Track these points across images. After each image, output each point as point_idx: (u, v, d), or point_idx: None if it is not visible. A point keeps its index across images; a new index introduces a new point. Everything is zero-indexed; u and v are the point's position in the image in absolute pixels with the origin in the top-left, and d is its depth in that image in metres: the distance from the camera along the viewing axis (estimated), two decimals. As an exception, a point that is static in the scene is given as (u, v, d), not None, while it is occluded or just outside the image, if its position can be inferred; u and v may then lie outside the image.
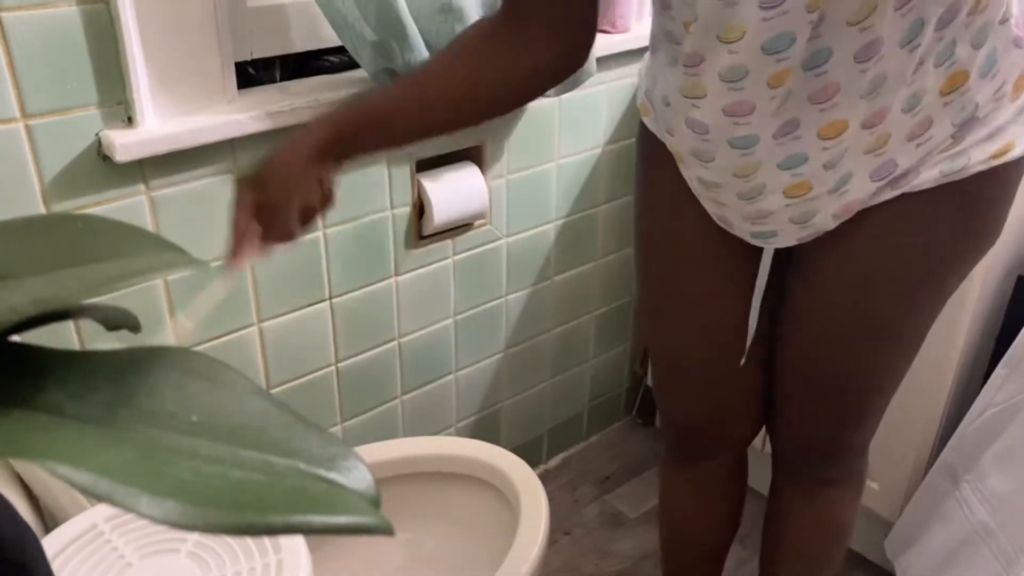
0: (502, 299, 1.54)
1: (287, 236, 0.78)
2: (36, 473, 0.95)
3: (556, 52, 0.82)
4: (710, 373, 1.04)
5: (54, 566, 0.81)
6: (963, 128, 0.79)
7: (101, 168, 1.01)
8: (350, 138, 0.78)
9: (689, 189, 0.92)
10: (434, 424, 1.56)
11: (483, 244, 1.45)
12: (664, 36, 0.82)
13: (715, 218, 0.92)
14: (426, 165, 1.33)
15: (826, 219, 0.85)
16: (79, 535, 0.85)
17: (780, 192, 0.82)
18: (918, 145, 0.79)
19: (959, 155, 0.80)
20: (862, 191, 0.82)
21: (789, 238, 0.89)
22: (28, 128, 0.95)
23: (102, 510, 0.87)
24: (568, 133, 1.49)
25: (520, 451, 1.35)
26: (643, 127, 0.98)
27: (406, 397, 1.48)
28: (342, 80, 1.21)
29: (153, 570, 0.82)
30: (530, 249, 1.54)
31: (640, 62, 1.55)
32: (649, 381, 1.85)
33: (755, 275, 0.98)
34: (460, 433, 1.60)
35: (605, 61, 1.45)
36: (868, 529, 1.48)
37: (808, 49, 0.72)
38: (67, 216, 0.88)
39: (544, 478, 1.57)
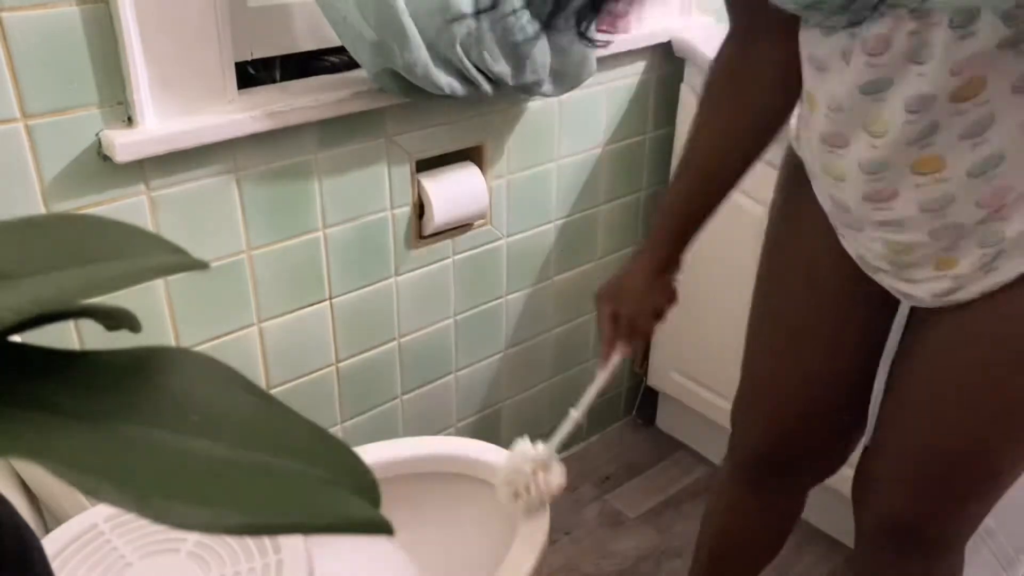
0: (502, 299, 1.54)
1: (645, 335, 1.01)
2: (36, 473, 0.95)
3: (785, 60, 0.83)
4: (805, 415, 0.99)
5: (54, 566, 0.81)
6: None
7: (101, 168, 1.01)
8: (678, 252, 0.97)
9: (827, 224, 0.88)
10: (434, 424, 1.56)
11: (483, 244, 1.45)
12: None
13: (857, 260, 0.87)
14: (426, 165, 1.33)
15: (971, 294, 0.78)
16: (79, 535, 0.85)
17: (930, 267, 0.79)
18: None
19: None
20: (1013, 271, 0.75)
21: (928, 304, 0.83)
22: (28, 128, 0.95)
23: (102, 510, 0.87)
24: (568, 133, 1.49)
25: (520, 451, 1.35)
26: (790, 149, 0.94)
27: (406, 397, 1.48)
28: (342, 80, 1.21)
29: (153, 570, 0.82)
30: (530, 249, 1.54)
31: (638, 62, 1.55)
32: (649, 381, 1.85)
33: (885, 331, 0.93)
34: (460, 433, 1.60)
35: (605, 61, 1.45)
36: (868, 529, 1.48)
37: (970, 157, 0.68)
38: (67, 216, 0.88)
39: (544, 478, 1.57)
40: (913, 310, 0.88)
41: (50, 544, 0.84)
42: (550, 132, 1.47)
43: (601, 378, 1.03)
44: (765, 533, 1.16)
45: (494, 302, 1.53)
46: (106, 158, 1.01)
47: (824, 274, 0.91)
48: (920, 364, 0.86)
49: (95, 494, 0.24)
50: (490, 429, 1.66)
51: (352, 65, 1.24)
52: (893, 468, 0.90)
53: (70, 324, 1.05)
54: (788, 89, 0.85)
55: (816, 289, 0.93)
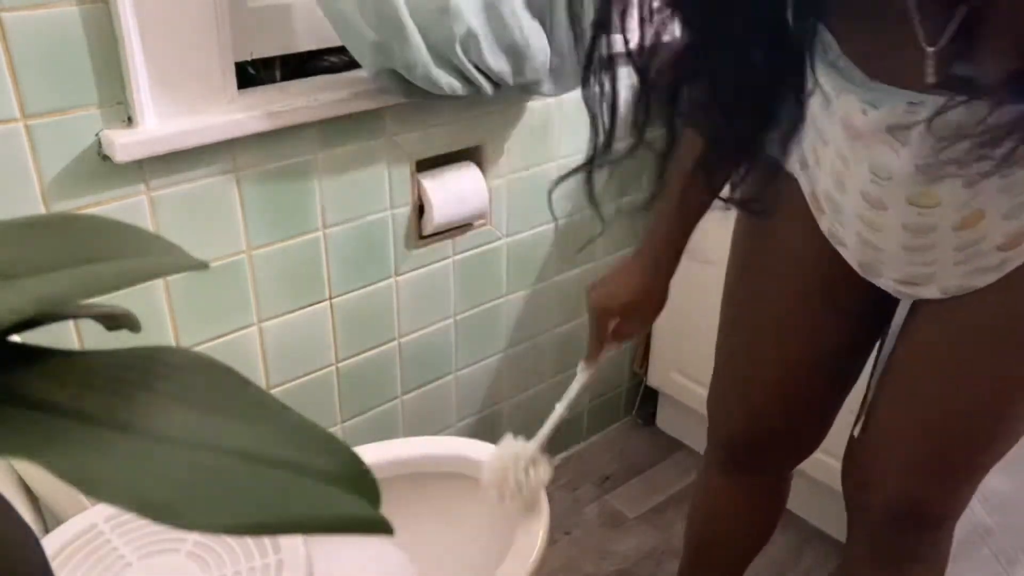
0: (502, 299, 1.54)
1: (634, 336, 1.05)
2: (36, 473, 0.95)
3: None
4: (781, 398, 1.01)
5: (54, 566, 0.81)
6: None
7: (101, 168, 1.01)
8: (676, 255, 0.97)
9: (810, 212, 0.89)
10: (434, 424, 1.56)
11: (483, 244, 1.45)
12: None
13: (858, 269, 0.87)
14: (426, 165, 1.33)
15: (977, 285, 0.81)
16: (79, 535, 0.85)
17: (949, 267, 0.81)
18: None
19: None
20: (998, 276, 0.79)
21: (931, 295, 0.85)
22: (28, 128, 0.95)
23: (102, 510, 0.88)
24: (568, 133, 1.49)
25: (520, 451, 1.36)
26: None
27: (406, 397, 1.48)
28: (342, 80, 1.21)
29: (153, 570, 0.82)
30: (530, 249, 1.54)
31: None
32: (649, 381, 1.85)
33: (878, 317, 0.94)
34: (460, 433, 1.60)
35: (605, 61, 1.45)
36: (868, 529, 1.48)
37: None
38: (67, 216, 0.88)
39: (544, 478, 1.57)
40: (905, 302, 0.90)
41: (50, 544, 0.84)
42: (550, 132, 1.47)
43: (586, 375, 1.04)
44: (748, 520, 1.17)
45: (494, 302, 1.53)
46: (106, 158, 1.01)
47: (808, 262, 0.91)
48: (917, 344, 0.88)
49: (95, 494, 0.24)
50: (490, 429, 1.66)
51: (352, 65, 1.24)
52: (892, 454, 0.92)
53: (70, 324, 1.05)
54: None
55: (799, 276, 0.93)
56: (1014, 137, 0.59)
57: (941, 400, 0.86)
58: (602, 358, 1.03)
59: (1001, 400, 0.83)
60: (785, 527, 1.64)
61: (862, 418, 0.96)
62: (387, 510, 0.27)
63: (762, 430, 1.05)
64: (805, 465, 1.11)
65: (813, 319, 0.95)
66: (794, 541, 1.61)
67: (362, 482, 0.28)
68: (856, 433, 0.97)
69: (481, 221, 1.43)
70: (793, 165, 0.89)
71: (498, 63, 1.20)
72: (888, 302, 0.91)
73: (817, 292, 0.93)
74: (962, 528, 1.26)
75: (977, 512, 1.25)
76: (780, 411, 1.02)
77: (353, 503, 0.27)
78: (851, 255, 0.87)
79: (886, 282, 0.86)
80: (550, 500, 1.12)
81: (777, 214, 0.91)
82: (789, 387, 1.00)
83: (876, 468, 0.94)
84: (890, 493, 0.93)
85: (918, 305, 0.88)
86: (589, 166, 0.78)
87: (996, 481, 1.23)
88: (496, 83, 1.23)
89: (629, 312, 0.99)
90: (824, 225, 0.87)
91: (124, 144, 0.99)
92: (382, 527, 0.26)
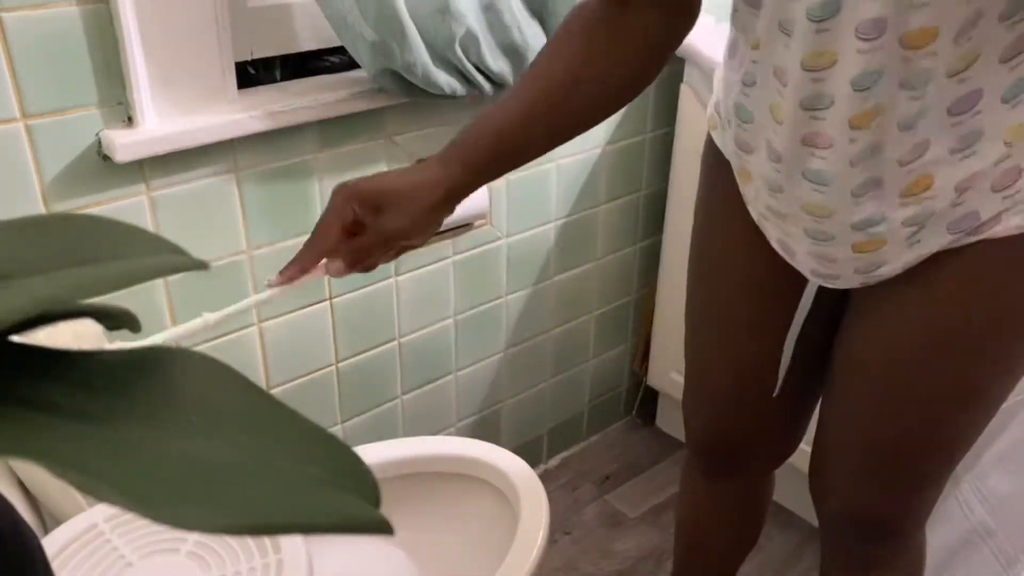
0: (502, 299, 1.54)
1: (370, 268, 0.75)
2: (36, 473, 0.95)
3: (658, 33, 0.76)
4: (739, 400, 1.00)
5: (54, 566, 0.81)
6: None
7: (101, 168, 1.01)
8: (475, 183, 0.75)
9: (744, 208, 0.87)
10: (434, 424, 1.56)
11: (483, 244, 1.45)
12: (744, 44, 0.76)
13: (776, 245, 0.87)
14: (426, 165, 1.33)
15: (895, 269, 0.78)
16: (79, 535, 0.85)
17: (849, 246, 0.78)
18: (1004, 197, 0.71)
19: None
20: (936, 244, 0.75)
21: (850, 283, 0.83)
22: (28, 128, 0.95)
23: (102, 510, 0.87)
24: (568, 133, 1.49)
25: (520, 451, 1.35)
26: (709, 139, 0.92)
27: (406, 397, 1.48)
28: (342, 80, 1.21)
29: (153, 570, 0.82)
30: (530, 249, 1.54)
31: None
32: (649, 381, 1.86)
33: (795, 307, 0.92)
34: (460, 433, 1.60)
35: (605, 61, 1.45)
36: (868, 529, 1.48)
37: (903, 108, 0.67)
38: (67, 216, 0.88)
39: (544, 478, 1.57)
40: (841, 303, 0.89)
41: (50, 544, 0.84)
42: (550, 132, 1.46)
43: (272, 293, 0.73)
44: (731, 523, 1.17)
45: (494, 302, 1.53)
46: (106, 158, 1.01)
47: (742, 261, 0.91)
48: (854, 358, 0.87)
49: (95, 494, 0.24)
50: (490, 429, 1.66)
51: (352, 65, 1.24)
52: (843, 465, 0.91)
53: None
54: (653, 62, 0.78)
55: (735, 276, 0.93)
56: None
57: (879, 418, 0.85)
58: (308, 278, 0.73)
59: (936, 414, 0.82)
60: (785, 527, 1.64)
61: (779, 382, 0.96)
62: (387, 510, 0.27)
63: (729, 431, 1.04)
64: (804, 465, 1.12)
65: (754, 316, 0.94)
66: (794, 541, 1.61)
67: (362, 482, 0.28)
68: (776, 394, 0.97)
69: (481, 221, 1.43)
70: (730, 154, 0.87)
71: (497, 63, 1.20)
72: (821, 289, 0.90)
73: (752, 289, 0.93)
74: (962, 528, 1.26)
75: (977, 512, 1.25)
76: (740, 411, 1.01)
77: (353, 503, 0.27)
78: (768, 228, 0.87)
79: (802, 264, 0.85)
80: (550, 500, 1.12)
81: (713, 216, 0.93)
82: (743, 386, 0.99)
83: (831, 478, 0.94)
84: (845, 502, 0.93)
85: (850, 321, 0.87)
86: None
87: (996, 481, 1.23)
88: (496, 83, 1.23)
89: (389, 199, 0.72)
90: (752, 212, 0.87)
91: (124, 144, 0.99)
92: (382, 527, 0.26)
